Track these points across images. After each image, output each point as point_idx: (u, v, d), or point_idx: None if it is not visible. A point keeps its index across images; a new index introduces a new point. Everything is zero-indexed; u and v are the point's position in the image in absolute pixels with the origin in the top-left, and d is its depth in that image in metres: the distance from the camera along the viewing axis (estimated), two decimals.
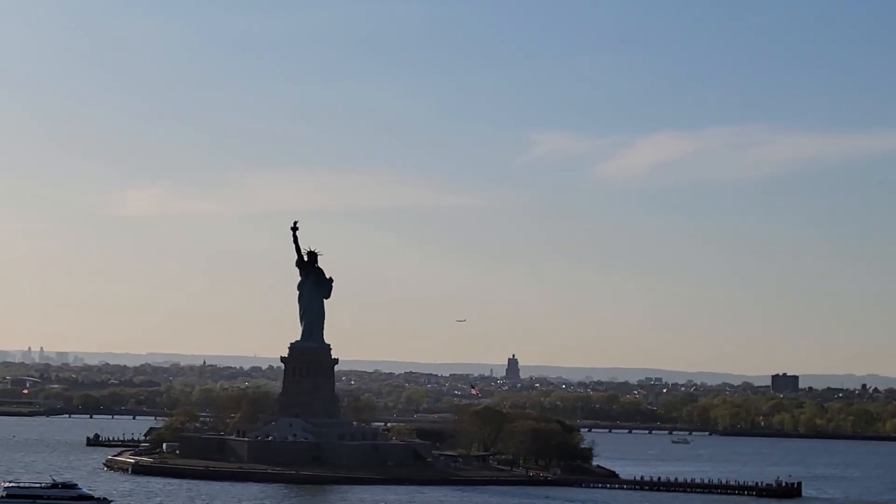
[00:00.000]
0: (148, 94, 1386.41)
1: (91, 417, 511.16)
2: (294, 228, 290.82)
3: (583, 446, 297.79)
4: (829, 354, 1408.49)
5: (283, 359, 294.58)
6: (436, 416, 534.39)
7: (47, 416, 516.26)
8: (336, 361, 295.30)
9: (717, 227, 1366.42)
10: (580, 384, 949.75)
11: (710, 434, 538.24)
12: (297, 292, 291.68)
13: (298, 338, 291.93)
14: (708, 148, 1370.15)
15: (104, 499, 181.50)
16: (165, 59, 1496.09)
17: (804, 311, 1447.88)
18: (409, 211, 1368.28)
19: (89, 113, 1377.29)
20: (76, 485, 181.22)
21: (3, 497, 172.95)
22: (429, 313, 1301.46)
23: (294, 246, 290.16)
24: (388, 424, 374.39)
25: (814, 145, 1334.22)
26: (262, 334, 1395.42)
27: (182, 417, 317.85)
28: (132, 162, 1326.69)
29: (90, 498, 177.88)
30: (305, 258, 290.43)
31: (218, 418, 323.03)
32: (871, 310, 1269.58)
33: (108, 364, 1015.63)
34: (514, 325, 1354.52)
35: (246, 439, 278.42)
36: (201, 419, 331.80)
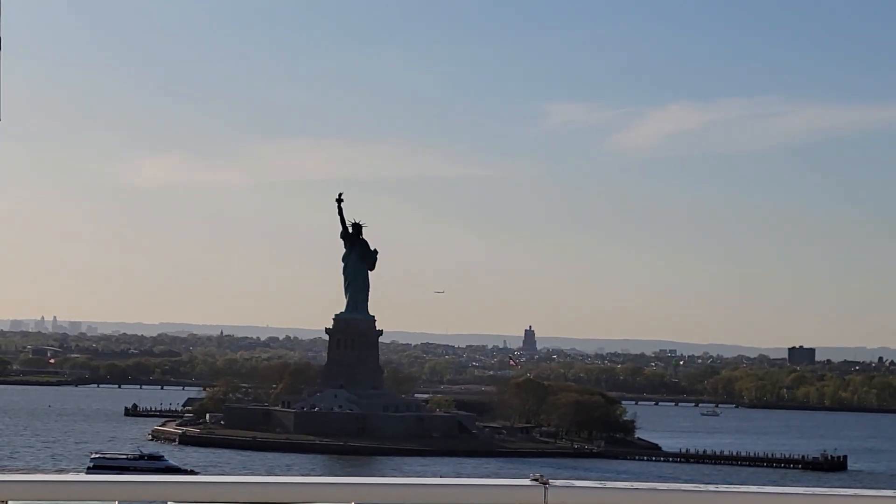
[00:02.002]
0: (162, 62, 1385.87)
1: (119, 387, 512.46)
2: (339, 200, 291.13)
3: (625, 419, 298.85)
4: (840, 327, 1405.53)
5: (327, 330, 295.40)
6: (461, 387, 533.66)
7: (75, 386, 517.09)
8: (381, 333, 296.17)
9: (731, 198, 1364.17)
10: (597, 356, 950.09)
11: (736, 406, 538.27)
12: (342, 264, 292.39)
13: (342, 309, 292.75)
14: (722, 119, 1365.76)
15: (191, 471, 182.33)
16: (180, 28, 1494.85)
17: (816, 282, 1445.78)
18: (422, 181, 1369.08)
19: (102, 82, 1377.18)
20: (162, 456, 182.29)
21: (90, 468, 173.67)
22: (440, 284, 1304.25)
23: (339, 218, 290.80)
24: (424, 396, 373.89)
25: (829, 116, 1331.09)
26: (274, 304, 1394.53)
27: (224, 388, 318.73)
28: (146, 131, 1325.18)
29: (177, 469, 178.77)
30: (350, 230, 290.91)
31: (260, 389, 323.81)
32: (884, 282, 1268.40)
33: (125, 334, 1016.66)
34: (526, 296, 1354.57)
35: (292, 410, 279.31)
36: (242, 390, 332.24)
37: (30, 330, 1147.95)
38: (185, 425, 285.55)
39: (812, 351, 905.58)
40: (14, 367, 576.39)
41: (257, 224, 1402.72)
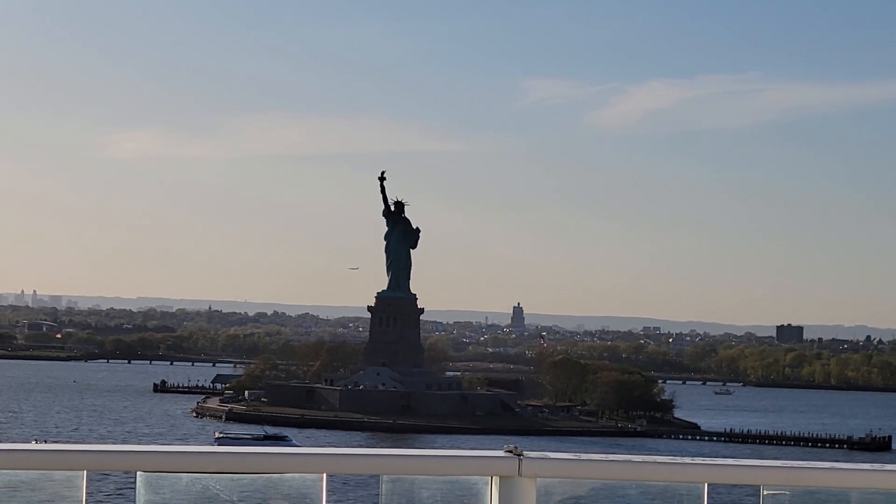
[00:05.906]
0: (140, 36, 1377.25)
1: (129, 363, 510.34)
2: (381, 178, 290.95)
3: (663, 398, 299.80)
4: (818, 304, 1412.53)
5: (369, 308, 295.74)
6: (468, 364, 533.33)
7: (85, 361, 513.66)
8: (422, 311, 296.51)
9: (711, 175, 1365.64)
10: (585, 333, 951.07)
11: (743, 385, 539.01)
12: (384, 242, 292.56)
13: (384, 287, 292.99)
14: (701, 95, 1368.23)
15: None
16: (159, 2, 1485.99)
17: (797, 259, 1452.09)
18: (399, 155, 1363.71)
19: (81, 54, 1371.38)
20: (287, 437, 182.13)
21: None
22: (422, 260, 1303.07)
23: (381, 196, 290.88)
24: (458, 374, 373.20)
25: (810, 93, 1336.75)
26: (253, 279, 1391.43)
27: (262, 365, 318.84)
28: (125, 105, 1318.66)
29: None
30: (392, 208, 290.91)
31: (294, 366, 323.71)
32: (862, 259, 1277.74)
33: (113, 308, 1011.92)
34: (505, 272, 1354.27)
35: (337, 388, 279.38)
36: (280, 367, 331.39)
37: (10, 304, 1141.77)
38: (228, 402, 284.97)
39: (800, 329, 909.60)
40: (19, 342, 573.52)
41: (236, 198, 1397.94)
